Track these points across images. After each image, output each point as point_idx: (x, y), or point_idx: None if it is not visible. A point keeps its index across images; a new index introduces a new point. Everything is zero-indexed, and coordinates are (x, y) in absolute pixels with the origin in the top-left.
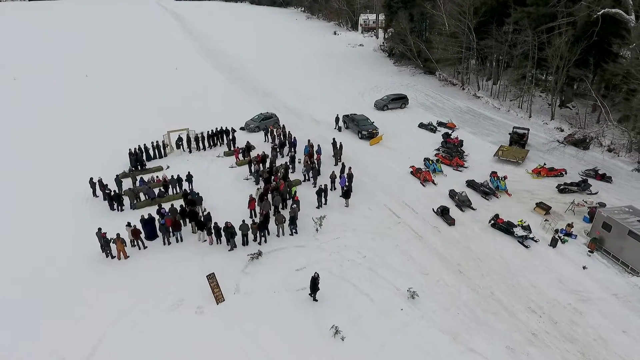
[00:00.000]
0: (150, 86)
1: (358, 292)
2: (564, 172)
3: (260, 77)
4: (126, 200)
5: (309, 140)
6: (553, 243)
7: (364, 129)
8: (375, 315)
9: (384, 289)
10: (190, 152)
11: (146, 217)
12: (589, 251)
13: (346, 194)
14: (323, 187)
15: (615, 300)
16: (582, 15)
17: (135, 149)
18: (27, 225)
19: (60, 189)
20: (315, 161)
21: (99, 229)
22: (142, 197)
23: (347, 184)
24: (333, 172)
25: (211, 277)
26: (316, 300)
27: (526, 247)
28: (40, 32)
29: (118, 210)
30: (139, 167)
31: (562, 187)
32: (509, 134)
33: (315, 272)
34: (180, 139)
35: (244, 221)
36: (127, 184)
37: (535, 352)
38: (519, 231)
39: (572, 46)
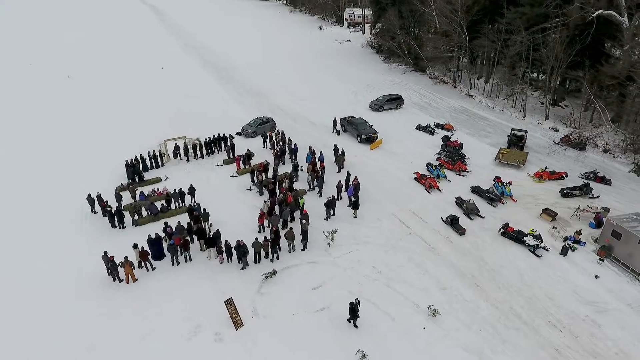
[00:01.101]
0: (138, 88)
1: (378, 311)
2: (564, 176)
3: (250, 77)
4: (127, 217)
5: (310, 147)
6: (564, 251)
7: (363, 133)
8: (398, 336)
9: (403, 306)
10: (188, 160)
11: (153, 236)
12: (599, 259)
13: (355, 204)
14: (331, 198)
15: (631, 311)
16: (576, 17)
17: (132, 159)
18: (24, 249)
19: (54, 206)
20: (319, 169)
21: (105, 252)
22: (144, 212)
23: (353, 194)
24: (340, 181)
25: (229, 303)
26: (356, 327)
27: (538, 256)
28: (10, 29)
29: (120, 228)
30: (136, 179)
31: (565, 191)
32: (508, 136)
33: (356, 299)
34: (177, 148)
35: (256, 239)
36: (125, 197)
37: None
38: (530, 240)
39: (567, 47)
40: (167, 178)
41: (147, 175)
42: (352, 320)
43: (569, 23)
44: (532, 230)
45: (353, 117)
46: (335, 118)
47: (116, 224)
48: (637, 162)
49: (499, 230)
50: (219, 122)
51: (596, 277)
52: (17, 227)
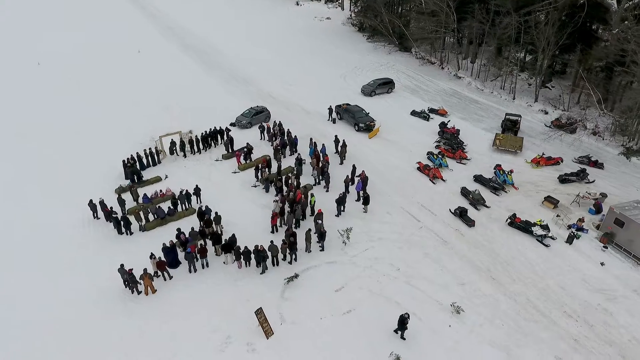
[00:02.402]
0: (116, 75)
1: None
2: (560, 161)
3: (235, 61)
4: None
5: (311, 139)
6: (569, 240)
7: (361, 122)
8: (427, 336)
9: (427, 304)
10: (185, 156)
11: (168, 244)
12: (603, 246)
13: (365, 200)
14: (342, 194)
15: (638, 297)
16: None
17: (128, 158)
18: (29, 265)
19: (51, 215)
20: (324, 163)
21: (122, 265)
22: (150, 216)
23: (362, 188)
24: (347, 176)
25: (259, 313)
26: (404, 339)
27: (546, 245)
28: None
29: (127, 234)
30: (135, 178)
31: (563, 177)
32: (502, 121)
33: (406, 313)
34: (173, 144)
35: (272, 242)
36: (126, 198)
37: (581, 359)
38: (538, 230)
39: (559, 30)
40: (166, 177)
41: (145, 174)
42: (399, 332)
43: (559, 5)
44: (539, 221)
45: (348, 104)
46: (330, 106)
47: (123, 230)
48: (625, 145)
49: (507, 220)
50: (212, 115)
51: (602, 264)
52: (12, 246)
